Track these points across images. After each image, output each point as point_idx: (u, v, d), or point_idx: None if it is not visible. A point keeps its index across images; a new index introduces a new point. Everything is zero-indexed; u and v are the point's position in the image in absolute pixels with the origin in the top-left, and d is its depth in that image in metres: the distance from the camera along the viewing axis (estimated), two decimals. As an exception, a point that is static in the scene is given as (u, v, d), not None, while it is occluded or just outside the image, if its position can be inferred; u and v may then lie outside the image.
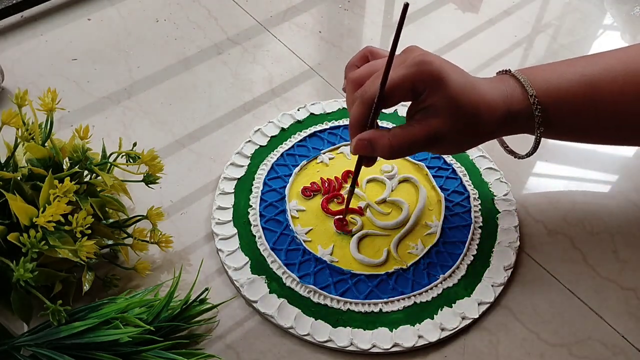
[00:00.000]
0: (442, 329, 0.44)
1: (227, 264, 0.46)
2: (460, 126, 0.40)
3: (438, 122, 0.40)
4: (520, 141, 0.47)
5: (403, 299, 0.45)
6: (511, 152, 0.48)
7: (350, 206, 0.50)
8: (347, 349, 0.43)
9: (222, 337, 0.43)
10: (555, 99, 0.42)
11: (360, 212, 0.50)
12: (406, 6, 0.35)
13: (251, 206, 0.50)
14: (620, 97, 0.42)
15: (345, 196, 0.50)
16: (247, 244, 0.48)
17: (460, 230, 0.49)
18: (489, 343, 0.44)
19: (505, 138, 0.49)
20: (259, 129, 0.55)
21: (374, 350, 0.43)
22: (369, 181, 0.52)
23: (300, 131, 0.56)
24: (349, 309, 0.45)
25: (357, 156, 0.44)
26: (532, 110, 0.42)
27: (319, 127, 0.56)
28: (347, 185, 0.51)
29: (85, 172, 0.44)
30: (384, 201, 0.51)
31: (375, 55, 0.44)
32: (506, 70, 0.45)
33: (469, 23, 0.68)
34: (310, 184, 0.51)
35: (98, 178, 0.44)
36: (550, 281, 0.47)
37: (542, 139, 0.44)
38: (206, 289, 0.44)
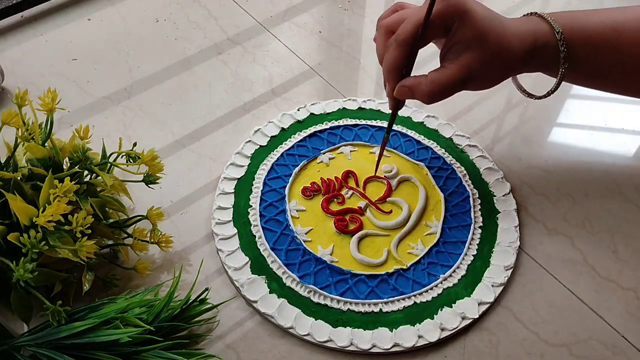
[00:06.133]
0: (442, 329, 0.44)
1: (227, 264, 0.46)
2: (490, 56, 0.43)
3: (469, 56, 0.42)
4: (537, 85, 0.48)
5: (403, 299, 0.45)
6: (527, 94, 0.50)
7: (350, 206, 0.50)
8: (347, 349, 0.43)
9: (222, 337, 0.43)
10: (580, 37, 0.45)
11: (360, 212, 0.50)
12: None
13: (251, 206, 0.50)
14: None
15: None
16: (247, 244, 0.48)
17: (460, 230, 0.49)
18: (489, 343, 0.44)
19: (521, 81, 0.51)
20: (259, 129, 0.55)
21: (374, 350, 0.43)
22: (369, 181, 0.52)
23: (300, 131, 0.56)
24: (349, 309, 0.45)
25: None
26: (557, 44, 0.44)
27: (319, 127, 0.56)
28: (347, 189, 0.51)
29: (85, 172, 0.44)
30: (384, 201, 0.51)
31: (405, 8, 0.47)
32: (532, 12, 0.47)
33: (469, 23, 0.68)
34: (310, 184, 0.51)
35: (98, 178, 0.44)
36: (550, 281, 0.47)
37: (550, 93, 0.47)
38: (206, 289, 0.44)
